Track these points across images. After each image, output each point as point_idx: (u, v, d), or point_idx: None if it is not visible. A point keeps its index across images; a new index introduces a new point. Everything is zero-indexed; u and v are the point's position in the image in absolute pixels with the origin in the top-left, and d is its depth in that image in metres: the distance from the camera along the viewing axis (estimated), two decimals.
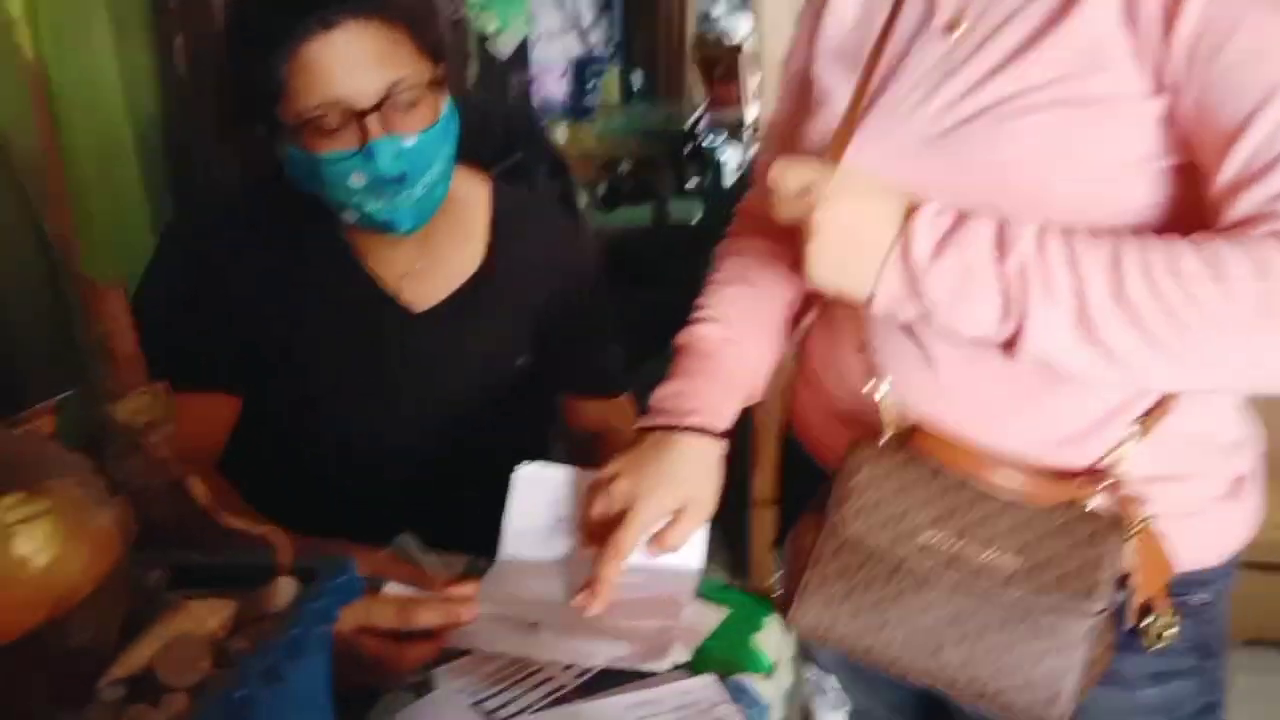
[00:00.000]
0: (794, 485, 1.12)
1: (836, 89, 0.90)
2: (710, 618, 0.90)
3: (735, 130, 3.21)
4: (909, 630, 0.81)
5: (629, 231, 3.59)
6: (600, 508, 0.92)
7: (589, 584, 0.87)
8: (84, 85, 1.49)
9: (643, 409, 1.01)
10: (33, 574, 0.46)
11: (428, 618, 0.83)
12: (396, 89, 0.99)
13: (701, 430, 0.93)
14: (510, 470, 1.02)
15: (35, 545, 0.46)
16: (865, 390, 0.88)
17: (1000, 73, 0.79)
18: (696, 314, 1.02)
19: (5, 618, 0.45)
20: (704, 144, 3.39)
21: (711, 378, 0.97)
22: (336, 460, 1.18)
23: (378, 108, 0.99)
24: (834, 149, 0.86)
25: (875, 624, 0.82)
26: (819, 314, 1.01)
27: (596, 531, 0.91)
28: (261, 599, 0.57)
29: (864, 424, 0.94)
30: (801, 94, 0.97)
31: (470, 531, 1.03)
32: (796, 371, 1.10)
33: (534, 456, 1.30)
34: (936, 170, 0.81)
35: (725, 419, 0.96)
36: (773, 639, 0.90)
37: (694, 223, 3.82)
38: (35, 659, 0.47)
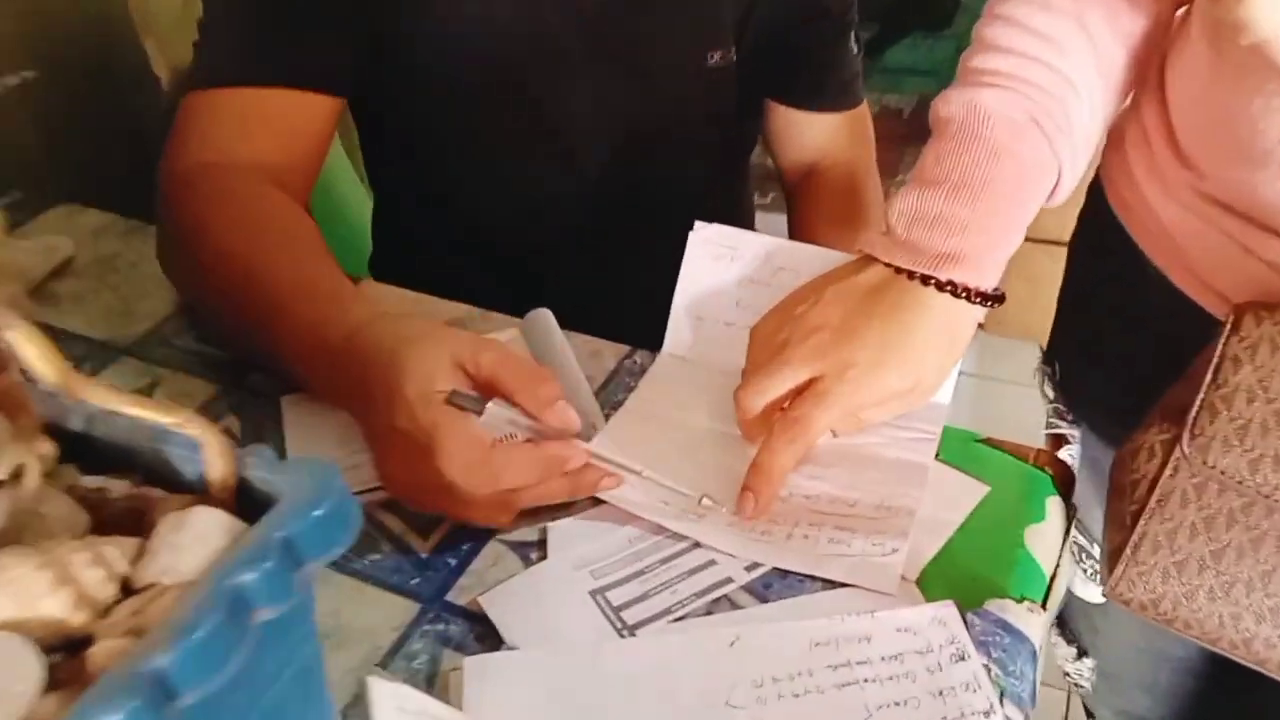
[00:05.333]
0: (1095, 253, 0.76)
1: None
2: (959, 500, 0.60)
3: None
4: None
5: None
6: (775, 357, 0.61)
7: (749, 479, 0.59)
8: None
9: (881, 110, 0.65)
10: None
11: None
12: None
13: (964, 291, 0.60)
14: (690, 224, 0.72)
15: None
16: (1276, 201, 0.51)
17: None
18: (978, 63, 0.62)
19: None
20: None
21: (995, 197, 0.60)
22: (476, 195, 0.91)
23: None
24: None
25: (1261, 608, 0.50)
26: (1203, 42, 0.60)
27: (763, 388, 0.62)
28: (155, 551, 0.32)
29: (1254, 241, 0.57)
30: None
31: (637, 308, 0.74)
32: (1128, 108, 0.70)
33: (728, 200, 1.00)
34: None
35: (1002, 266, 0.62)
36: (1052, 535, 0.60)
37: None
38: None
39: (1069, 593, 0.87)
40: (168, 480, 0.36)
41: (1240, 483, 0.51)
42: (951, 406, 0.65)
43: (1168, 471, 0.54)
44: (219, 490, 0.33)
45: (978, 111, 0.61)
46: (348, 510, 0.33)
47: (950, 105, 0.63)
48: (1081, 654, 0.90)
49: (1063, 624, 0.91)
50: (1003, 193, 0.61)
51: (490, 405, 0.55)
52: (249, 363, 0.70)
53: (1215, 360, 0.53)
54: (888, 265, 0.61)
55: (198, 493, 0.35)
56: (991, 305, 0.62)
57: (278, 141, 0.79)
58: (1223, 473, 0.52)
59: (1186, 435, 0.53)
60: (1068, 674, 0.92)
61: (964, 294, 0.60)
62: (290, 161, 0.79)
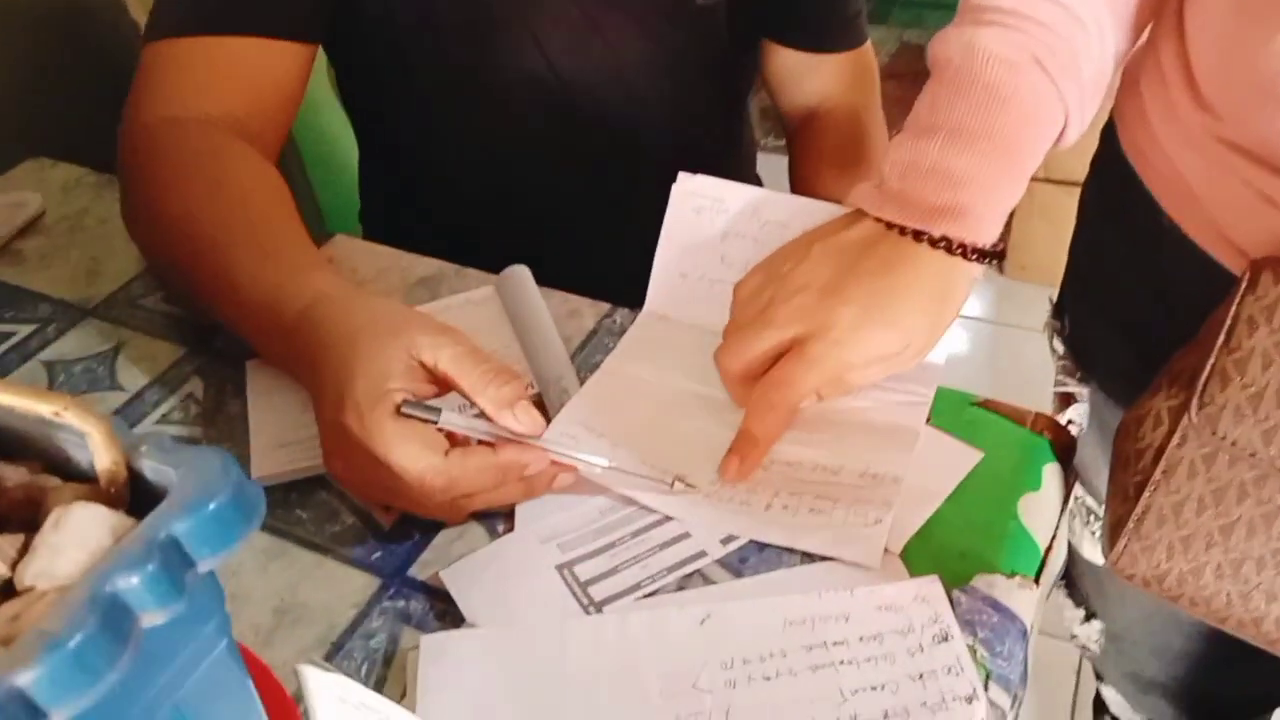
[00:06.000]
0: (1107, 201, 0.72)
1: None
2: (949, 467, 0.57)
3: None
4: None
5: None
6: (757, 317, 0.58)
7: (735, 443, 0.56)
8: None
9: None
10: None
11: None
12: None
13: (960, 248, 0.55)
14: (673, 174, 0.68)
15: None
16: None
17: None
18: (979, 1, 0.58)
19: None
20: None
21: (993, 145, 0.55)
22: (463, 148, 0.87)
23: None
24: None
25: (1272, 587, 0.47)
26: None
27: (740, 350, 0.58)
28: (35, 551, 0.29)
29: (1275, 190, 0.53)
30: None
31: (620, 264, 0.71)
32: (1143, 46, 0.65)
33: (726, 143, 0.96)
34: None
35: (1001, 219, 0.57)
36: (1048, 505, 0.56)
37: None
38: None
39: (1077, 555, 0.83)
40: (65, 468, 0.34)
41: (1253, 455, 0.47)
42: (967, 354, 0.62)
43: (1175, 441, 0.50)
44: (108, 482, 0.31)
45: (976, 52, 0.57)
46: (247, 501, 0.30)
47: (948, 45, 0.58)
48: (1090, 617, 0.87)
49: (1071, 586, 0.88)
50: (1003, 140, 0.57)
51: (444, 414, 0.52)
52: (215, 325, 0.68)
53: (1229, 321, 0.49)
54: (878, 220, 0.57)
55: (93, 482, 0.32)
56: (989, 262, 0.58)
57: (246, 93, 0.75)
58: (1234, 444, 0.48)
59: (1195, 403, 0.49)
60: (1075, 636, 0.90)
61: (959, 250, 0.56)
62: (260, 112, 0.75)
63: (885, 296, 0.55)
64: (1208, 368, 0.48)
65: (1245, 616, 0.50)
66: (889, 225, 0.57)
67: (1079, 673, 1.40)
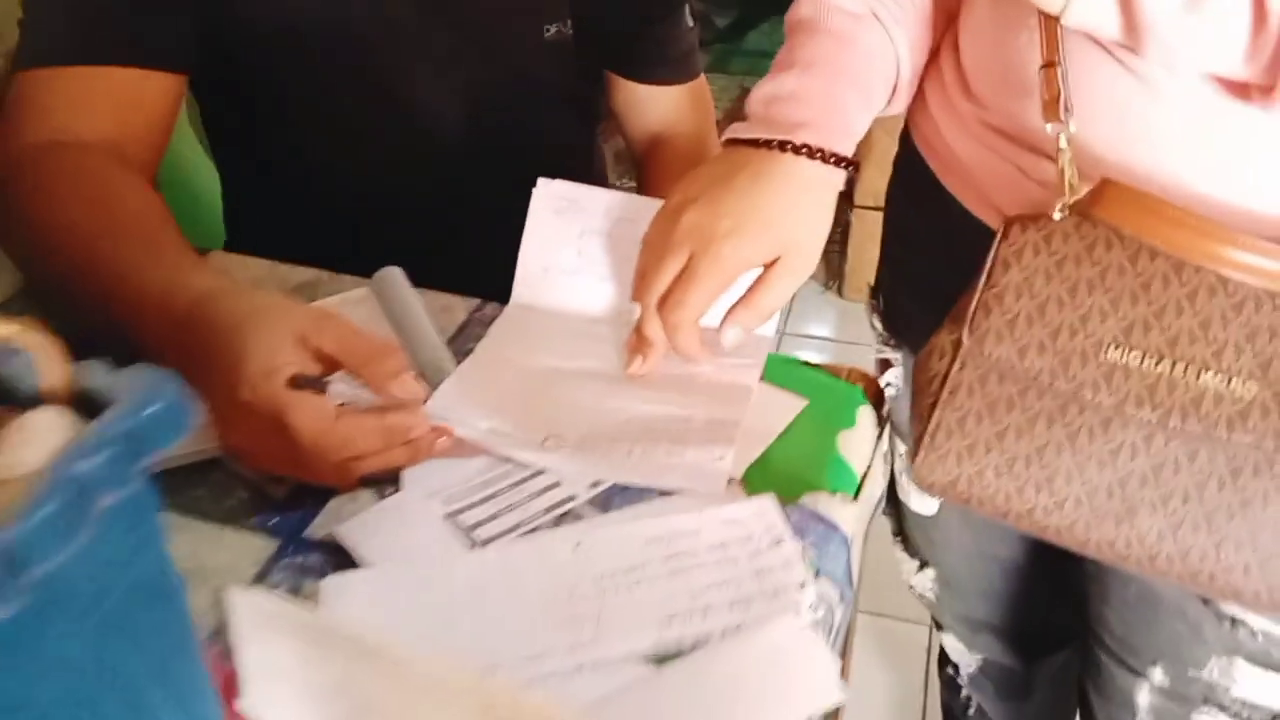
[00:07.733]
0: (906, 193, 0.84)
1: None
2: (780, 412, 0.66)
3: None
4: (1087, 488, 0.56)
5: None
6: (657, 252, 0.66)
7: (634, 345, 0.66)
8: None
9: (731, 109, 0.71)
10: None
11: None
12: None
13: (819, 153, 0.65)
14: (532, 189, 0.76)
15: None
16: (1039, 125, 0.59)
17: None
18: None
19: None
20: None
21: (840, 74, 0.67)
22: (328, 173, 0.93)
23: None
24: None
25: (1038, 480, 0.57)
26: None
27: (650, 283, 0.66)
28: None
29: (1025, 162, 0.65)
30: None
31: (486, 266, 0.78)
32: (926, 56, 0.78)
33: (578, 171, 1.04)
34: None
35: (853, 136, 0.67)
36: (863, 439, 0.66)
37: None
38: None
39: (906, 509, 0.94)
40: (6, 399, 0.38)
41: (1013, 369, 0.58)
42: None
43: (956, 366, 0.61)
44: (58, 399, 0.36)
45: (822, 7, 0.69)
46: (185, 405, 0.36)
47: (799, 9, 0.70)
48: (923, 566, 0.98)
49: (905, 540, 0.98)
50: (849, 72, 0.68)
51: (332, 385, 0.58)
52: (92, 339, 0.71)
53: (989, 264, 0.60)
54: (747, 142, 0.66)
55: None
56: (847, 169, 0.67)
57: (119, 119, 0.79)
58: (998, 361, 0.59)
59: (966, 331, 0.60)
60: (912, 586, 1.00)
61: (818, 155, 0.65)
62: (133, 138, 0.80)
63: (759, 202, 0.64)
64: (974, 302, 0.59)
65: (1021, 509, 0.61)
66: (757, 145, 0.66)
67: (929, 651, 1.52)
